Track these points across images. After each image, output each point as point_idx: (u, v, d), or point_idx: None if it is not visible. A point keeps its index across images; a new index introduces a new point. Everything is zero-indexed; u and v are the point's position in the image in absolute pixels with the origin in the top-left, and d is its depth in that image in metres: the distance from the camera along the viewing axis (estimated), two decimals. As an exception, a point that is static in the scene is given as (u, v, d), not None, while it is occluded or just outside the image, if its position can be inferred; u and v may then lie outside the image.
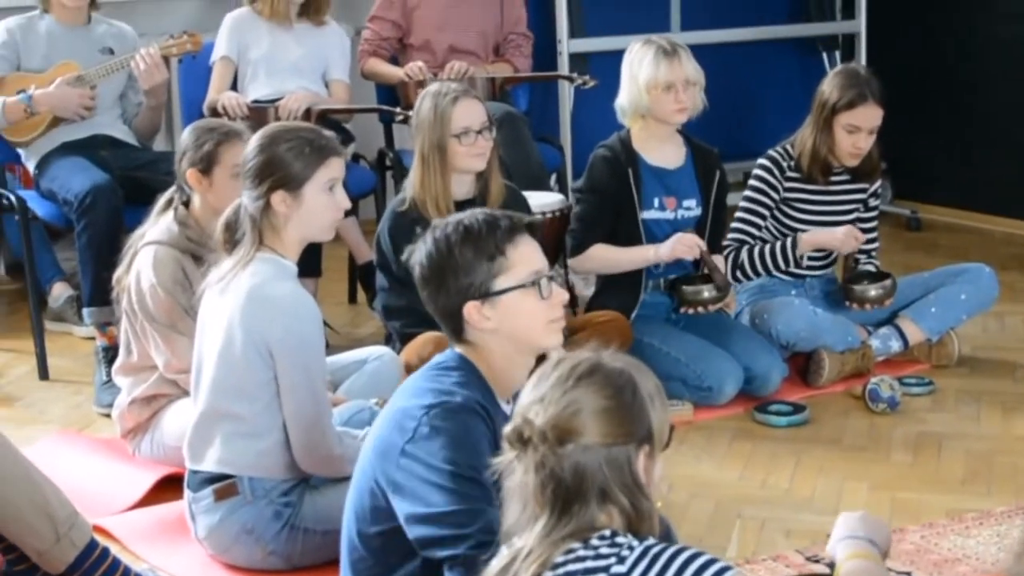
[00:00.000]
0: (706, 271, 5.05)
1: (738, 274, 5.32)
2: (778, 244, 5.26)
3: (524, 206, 4.95)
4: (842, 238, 5.22)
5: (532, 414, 2.38)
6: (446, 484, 2.89)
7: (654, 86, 4.94)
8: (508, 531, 2.44)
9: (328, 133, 3.88)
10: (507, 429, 2.41)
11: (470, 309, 3.00)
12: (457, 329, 3.06)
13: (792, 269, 5.31)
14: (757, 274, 5.31)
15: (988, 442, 4.66)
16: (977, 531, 3.95)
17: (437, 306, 3.07)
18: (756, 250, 5.28)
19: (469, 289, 3.00)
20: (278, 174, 3.72)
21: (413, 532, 2.93)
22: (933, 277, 5.47)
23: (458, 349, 3.08)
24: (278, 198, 3.72)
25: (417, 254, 3.07)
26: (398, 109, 5.87)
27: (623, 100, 5.05)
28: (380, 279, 4.91)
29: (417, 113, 4.80)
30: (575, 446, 2.35)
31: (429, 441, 2.92)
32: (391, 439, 2.98)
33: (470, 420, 2.97)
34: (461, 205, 4.76)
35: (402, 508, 2.94)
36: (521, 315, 3.02)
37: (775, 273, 5.32)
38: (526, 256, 3.04)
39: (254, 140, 3.82)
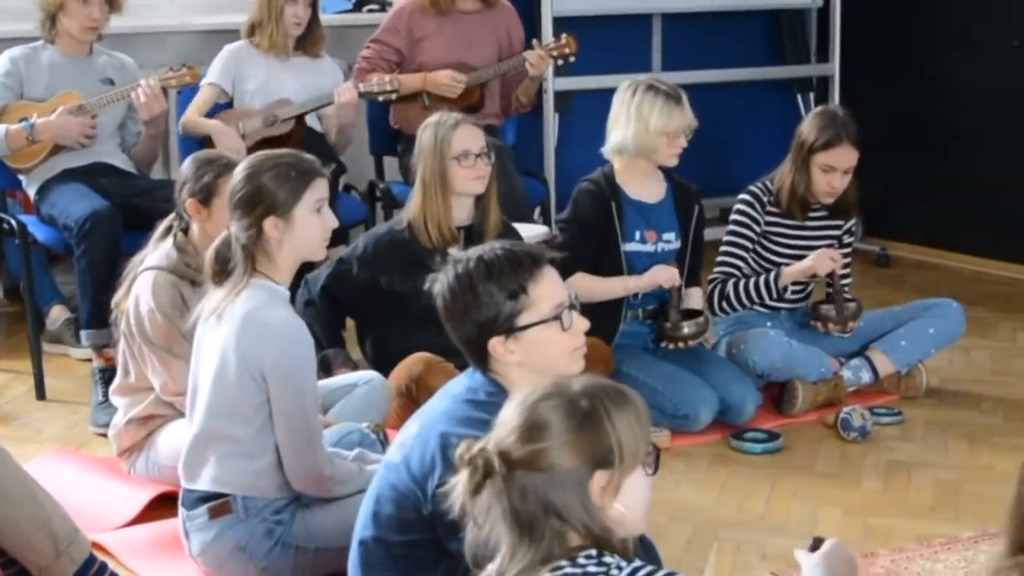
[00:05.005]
0: (676, 305, 5.13)
1: (724, 305, 5.40)
2: (762, 278, 5.36)
3: (517, 239, 5.01)
4: (816, 258, 5.30)
5: (488, 438, 2.39)
6: None
7: (664, 132, 5.01)
8: (477, 555, 2.44)
9: (309, 156, 3.91)
10: (461, 451, 2.39)
11: (494, 344, 3.03)
12: (482, 360, 3.08)
13: (775, 301, 5.41)
14: (743, 305, 5.40)
15: (955, 471, 4.71)
16: (945, 556, 4.00)
17: (461, 337, 3.09)
18: (741, 284, 5.37)
19: (493, 325, 3.02)
20: (267, 201, 3.74)
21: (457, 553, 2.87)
22: (903, 311, 5.53)
23: (486, 375, 3.10)
24: (270, 224, 3.74)
25: (439, 286, 3.09)
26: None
27: (626, 140, 5.07)
28: (335, 268, 5.03)
29: (419, 142, 4.92)
30: (531, 469, 2.34)
31: None
32: (433, 463, 2.99)
33: None
34: (459, 230, 4.91)
35: (446, 532, 2.90)
36: (545, 347, 3.05)
37: (758, 304, 5.41)
38: (548, 291, 3.05)
39: (239, 171, 3.84)
